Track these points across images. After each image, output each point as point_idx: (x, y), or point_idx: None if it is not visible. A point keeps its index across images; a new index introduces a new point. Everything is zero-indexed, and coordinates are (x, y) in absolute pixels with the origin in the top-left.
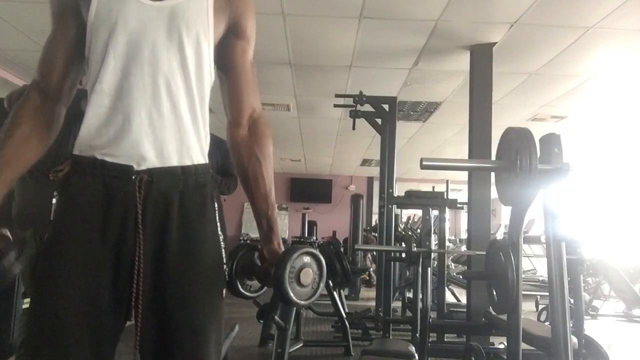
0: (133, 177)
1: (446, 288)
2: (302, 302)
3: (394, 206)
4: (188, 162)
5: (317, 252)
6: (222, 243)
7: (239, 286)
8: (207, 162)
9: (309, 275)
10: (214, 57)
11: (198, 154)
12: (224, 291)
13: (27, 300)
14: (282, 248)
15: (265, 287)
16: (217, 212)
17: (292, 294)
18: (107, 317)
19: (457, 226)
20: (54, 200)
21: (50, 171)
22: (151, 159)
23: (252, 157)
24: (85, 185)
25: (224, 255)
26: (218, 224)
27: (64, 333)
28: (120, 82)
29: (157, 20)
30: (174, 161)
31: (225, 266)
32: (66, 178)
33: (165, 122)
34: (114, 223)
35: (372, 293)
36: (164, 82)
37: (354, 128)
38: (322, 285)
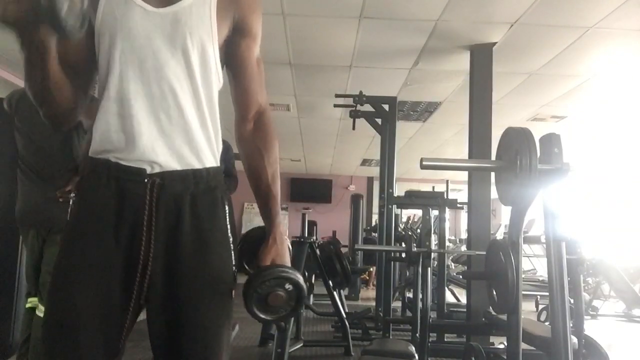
0: (145, 180)
1: (446, 288)
2: (267, 318)
3: (394, 206)
4: (199, 166)
5: (296, 277)
6: (231, 245)
7: (246, 266)
8: (219, 165)
9: (278, 299)
10: (221, 55)
11: (209, 157)
12: (234, 292)
13: (31, 299)
14: (280, 246)
15: None
16: (227, 214)
17: (254, 310)
18: (119, 314)
19: (457, 226)
20: (60, 200)
21: (46, 172)
22: (163, 163)
23: (256, 151)
24: (100, 187)
25: (233, 257)
26: (229, 226)
27: (77, 326)
28: (127, 89)
29: (161, 27)
30: (185, 165)
31: (234, 267)
32: (82, 179)
33: (174, 127)
34: (127, 225)
35: (372, 293)
36: (169, 88)
37: (354, 128)
38: (294, 312)
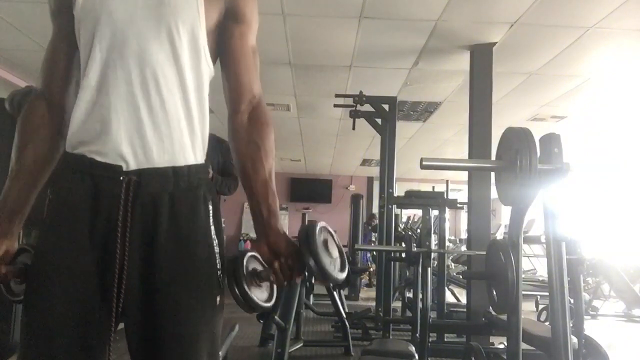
0: (121, 178)
1: (446, 288)
2: (338, 276)
3: (394, 206)
4: (181, 163)
5: (328, 226)
6: (216, 247)
7: (253, 297)
8: (203, 162)
9: (333, 246)
10: (211, 42)
11: (192, 152)
12: (219, 298)
13: None
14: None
15: (275, 290)
16: (211, 215)
17: (326, 266)
18: (95, 318)
19: (457, 226)
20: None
21: None
22: (140, 159)
23: (251, 142)
24: (74, 185)
25: (218, 260)
26: (212, 227)
27: (52, 332)
28: (107, 76)
29: (144, 9)
30: (164, 161)
31: (219, 272)
32: (56, 175)
33: (154, 119)
34: (102, 226)
35: (372, 293)
36: (151, 75)
37: (354, 128)
38: (344, 256)
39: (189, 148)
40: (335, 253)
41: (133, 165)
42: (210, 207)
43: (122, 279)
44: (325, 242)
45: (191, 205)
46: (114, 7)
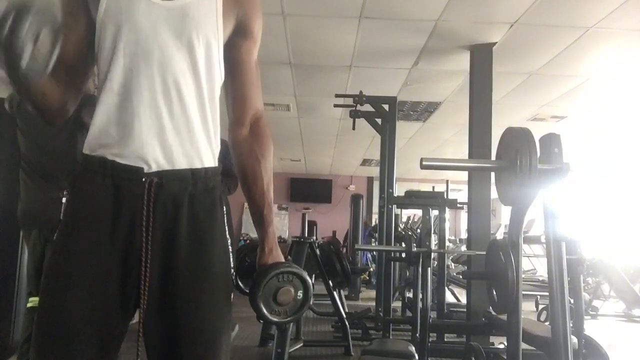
0: (143, 180)
1: (446, 288)
2: (276, 320)
3: (394, 206)
4: (198, 165)
5: (302, 272)
6: (229, 247)
7: (242, 286)
8: (217, 165)
9: (287, 295)
10: (223, 56)
11: (208, 156)
12: (232, 295)
13: (32, 299)
14: (276, 252)
15: None
16: (225, 215)
17: (265, 312)
18: (114, 318)
19: (457, 226)
20: (63, 200)
21: (49, 173)
22: (161, 161)
23: (252, 155)
24: (95, 186)
25: (231, 259)
26: (226, 227)
27: (71, 332)
28: (130, 82)
29: (167, 20)
30: (183, 164)
31: (233, 269)
32: (76, 177)
33: (175, 124)
34: (123, 225)
35: (372, 293)
36: (173, 83)
37: (354, 128)
38: (306, 305)
39: (205, 151)
40: (287, 299)
41: (154, 168)
42: (224, 209)
43: (145, 277)
44: (277, 291)
45: (209, 206)
46: (138, 16)
